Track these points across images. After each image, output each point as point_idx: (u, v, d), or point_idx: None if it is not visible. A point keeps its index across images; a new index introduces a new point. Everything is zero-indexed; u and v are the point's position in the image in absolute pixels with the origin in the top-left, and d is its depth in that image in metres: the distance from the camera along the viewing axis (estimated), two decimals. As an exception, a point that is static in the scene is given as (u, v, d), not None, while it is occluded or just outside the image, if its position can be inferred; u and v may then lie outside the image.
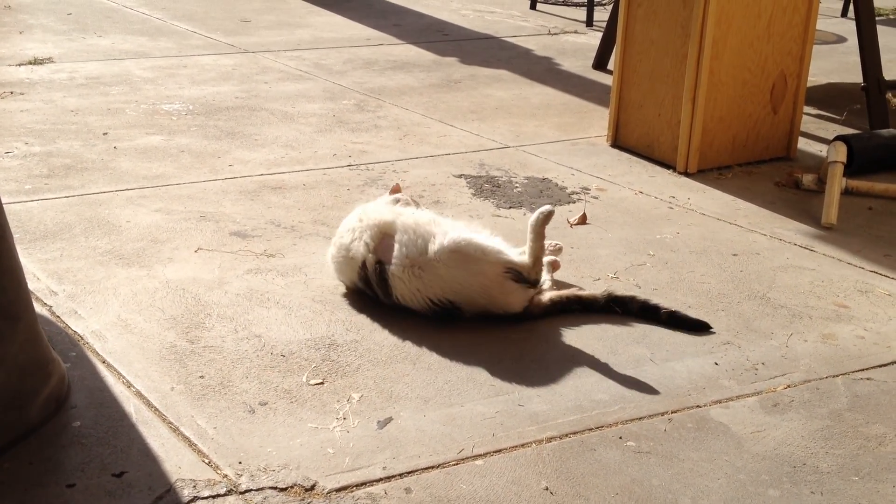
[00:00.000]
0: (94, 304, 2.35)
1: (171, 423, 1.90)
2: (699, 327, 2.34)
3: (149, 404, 1.95)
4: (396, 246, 2.30)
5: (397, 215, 2.37)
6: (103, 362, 2.10)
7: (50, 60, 4.65)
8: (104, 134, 3.62)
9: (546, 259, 2.45)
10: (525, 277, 2.29)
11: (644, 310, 2.38)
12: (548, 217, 2.27)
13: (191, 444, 1.83)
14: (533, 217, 2.29)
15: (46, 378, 1.89)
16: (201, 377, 2.06)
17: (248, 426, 1.90)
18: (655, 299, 2.40)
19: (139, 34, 5.34)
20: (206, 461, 1.79)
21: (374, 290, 2.35)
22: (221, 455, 1.80)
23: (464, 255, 2.26)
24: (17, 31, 5.27)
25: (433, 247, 2.26)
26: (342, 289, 2.47)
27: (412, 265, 2.27)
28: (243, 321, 2.30)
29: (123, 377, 2.04)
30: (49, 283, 2.44)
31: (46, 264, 2.54)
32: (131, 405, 1.95)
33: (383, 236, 2.34)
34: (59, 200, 2.97)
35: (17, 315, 1.84)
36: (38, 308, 2.27)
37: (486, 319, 2.31)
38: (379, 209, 2.44)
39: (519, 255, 2.31)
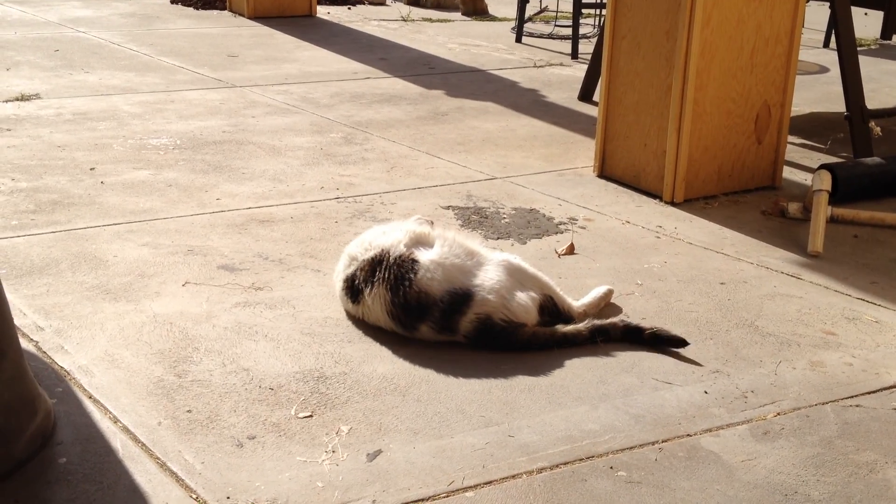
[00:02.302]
0: (80, 339, 2.34)
1: (158, 458, 1.88)
2: (679, 343, 2.37)
3: (136, 440, 1.94)
4: (438, 243, 2.42)
5: (432, 229, 2.53)
6: (90, 398, 2.08)
7: (37, 96, 4.66)
8: (91, 169, 3.62)
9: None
10: (563, 313, 2.46)
11: (627, 332, 2.40)
12: (610, 294, 2.62)
13: (178, 480, 1.82)
14: (605, 288, 2.60)
15: (32, 414, 1.88)
16: (189, 412, 2.04)
17: (237, 460, 1.88)
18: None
19: (126, 70, 5.35)
20: (194, 497, 1.77)
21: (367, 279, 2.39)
22: (209, 490, 1.79)
23: (516, 269, 2.43)
24: (3, 67, 5.28)
25: (493, 253, 2.48)
26: (331, 321, 2.47)
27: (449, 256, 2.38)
28: (231, 355, 2.29)
29: (110, 412, 2.03)
30: (35, 319, 2.42)
31: (33, 300, 2.53)
32: (118, 441, 1.93)
33: (417, 241, 2.43)
34: (45, 236, 2.97)
35: (3, 351, 1.82)
36: (24, 344, 2.26)
37: (475, 349, 2.31)
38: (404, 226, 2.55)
39: (570, 299, 2.53)
